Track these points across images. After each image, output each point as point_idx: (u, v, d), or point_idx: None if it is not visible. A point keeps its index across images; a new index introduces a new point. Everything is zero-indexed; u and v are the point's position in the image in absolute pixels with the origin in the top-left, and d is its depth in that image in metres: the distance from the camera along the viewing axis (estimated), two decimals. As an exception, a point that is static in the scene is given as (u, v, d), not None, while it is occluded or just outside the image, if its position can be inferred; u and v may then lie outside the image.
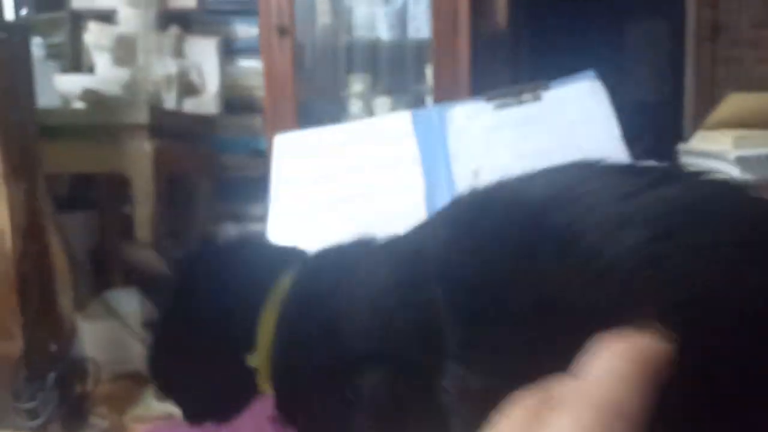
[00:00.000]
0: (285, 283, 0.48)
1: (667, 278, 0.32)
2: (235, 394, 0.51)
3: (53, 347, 1.25)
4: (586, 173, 0.39)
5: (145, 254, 0.55)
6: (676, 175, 0.38)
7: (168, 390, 0.53)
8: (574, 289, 0.34)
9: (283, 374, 0.47)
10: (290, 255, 0.52)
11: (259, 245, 0.56)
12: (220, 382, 0.50)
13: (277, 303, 0.47)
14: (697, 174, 0.37)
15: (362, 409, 0.42)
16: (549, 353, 0.32)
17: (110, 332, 1.53)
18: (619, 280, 0.33)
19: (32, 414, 1.15)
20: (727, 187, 0.37)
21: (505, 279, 0.36)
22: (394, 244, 0.46)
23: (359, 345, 0.42)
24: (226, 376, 0.50)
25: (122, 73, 1.60)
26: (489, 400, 0.32)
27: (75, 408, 1.26)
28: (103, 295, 1.60)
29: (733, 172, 0.76)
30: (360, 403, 0.41)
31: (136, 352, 1.50)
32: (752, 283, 0.32)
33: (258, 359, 0.47)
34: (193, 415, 0.53)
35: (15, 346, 1.21)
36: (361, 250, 0.48)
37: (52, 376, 1.18)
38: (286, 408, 0.48)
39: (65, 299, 1.57)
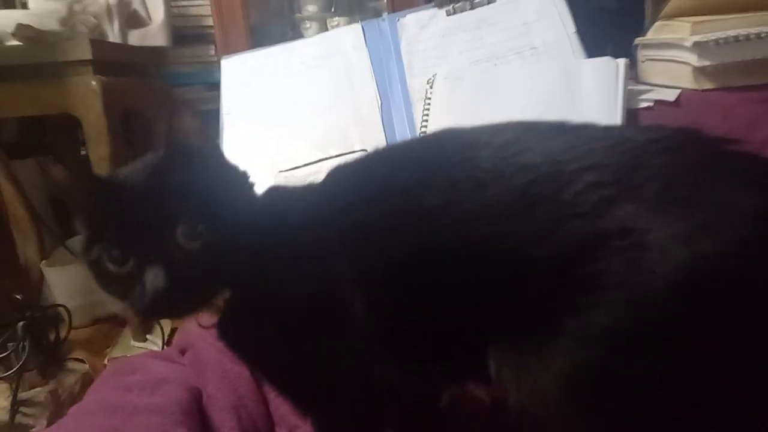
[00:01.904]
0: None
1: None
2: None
3: (19, 297, 1.22)
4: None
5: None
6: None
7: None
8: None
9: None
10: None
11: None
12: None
13: None
14: None
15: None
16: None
17: (80, 278, 1.50)
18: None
19: (6, 363, 1.15)
20: None
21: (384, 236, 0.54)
22: (313, 195, 0.60)
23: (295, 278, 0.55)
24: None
25: (58, 6, 1.50)
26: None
27: (51, 354, 1.25)
28: (69, 242, 1.56)
29: (691, 59, 0.74)
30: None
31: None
32: None
33: None
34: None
35: (-22, 298, 1.19)
36: (296, 195, 0.61)
37: (20, 325, 1.16)
38: (225, 328, 0.58)
39: (28, 248, 1.53)
